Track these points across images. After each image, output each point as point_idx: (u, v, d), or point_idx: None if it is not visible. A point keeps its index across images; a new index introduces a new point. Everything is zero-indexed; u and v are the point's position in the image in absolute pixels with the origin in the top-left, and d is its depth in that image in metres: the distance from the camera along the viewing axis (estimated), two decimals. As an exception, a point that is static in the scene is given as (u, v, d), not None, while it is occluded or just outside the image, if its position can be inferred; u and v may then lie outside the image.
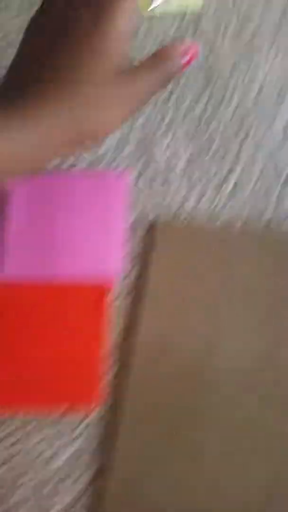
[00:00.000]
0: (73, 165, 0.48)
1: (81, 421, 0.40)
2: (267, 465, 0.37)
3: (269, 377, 0.40)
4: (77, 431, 0.40)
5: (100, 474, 0.39)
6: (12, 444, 0.40)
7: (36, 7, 0.34)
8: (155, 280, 0.43)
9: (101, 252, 0.44)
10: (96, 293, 0.42)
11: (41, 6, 0.33)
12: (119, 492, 0.37)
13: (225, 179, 0.46)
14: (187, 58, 0.30)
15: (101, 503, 0.37)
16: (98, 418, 0.40)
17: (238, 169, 0.47)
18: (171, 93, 0.50)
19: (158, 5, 0.51)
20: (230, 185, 0.46)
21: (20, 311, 0.42)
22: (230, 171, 0.47)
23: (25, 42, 0.32)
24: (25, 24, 0.34)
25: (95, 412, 0.40)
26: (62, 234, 0.44)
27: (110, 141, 0.48)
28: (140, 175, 0.47)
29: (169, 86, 0.50)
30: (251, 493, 0.36)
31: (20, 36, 0.33)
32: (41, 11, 0.33)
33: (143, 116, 0.50)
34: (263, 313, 0.42)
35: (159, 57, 0.30)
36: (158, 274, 0.43)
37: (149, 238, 0.45)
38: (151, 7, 0.51)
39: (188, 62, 0.30)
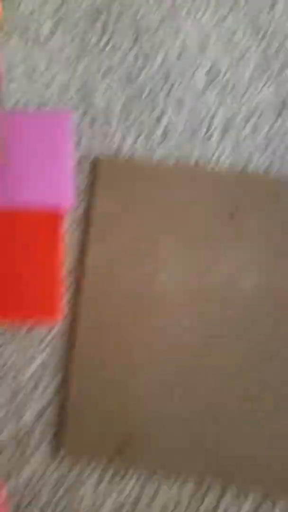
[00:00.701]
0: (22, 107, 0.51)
1: (46, 336, 0.45)
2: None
3: (202, 296, 0.46)
4: (43, 344, 0.45)
5: (64, 383, 0.44)
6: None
7: None
8: (99, 212, 0.48)
9: (53, 185, 0.47)
10: (52, 218, 0.46)
11: None
12: (80, 400, 0.43)
13: (158, 121, 0.52)
14: None
15: (65, 409, 0.43)
16: (60, 333, 0.45)
17: (169, 112, 0.52)
18: (106, 44, 0.54)
19: None
20: (162, 127, 0.52)
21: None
22: (162, 113, 0.52)
23: None
24: None
25: (57, 328, 0.45)
26: (16, 167, 0.47)
27: (53, 88, 0.52)
28: (82, 116, 0.51)
29: (104, 37, 0.54)
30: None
31: None
32: None
33: (82, 64, 0.53)
34: (195, 239, 0.48)
35: None
36: (102, 206, 0.48)
37: (94, 174, 0.50)
38: None
39: None
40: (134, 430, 0.41)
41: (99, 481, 0.41)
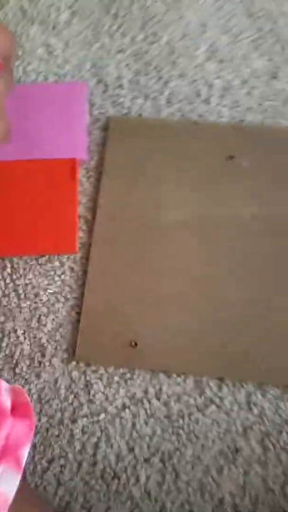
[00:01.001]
0: (44, 80, 0.60)
1: (65, 262, 0.52)
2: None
3: (206, 226, 0.52)
4: (62, 269, 0.52)
5: (79, 301, 0.50)
6: (17, 279, 0.51)
7: None
8: (111, 162, 0.56)
9: (70, 141, 0.55)
10: (70, 163, 0.54)
11: None
12: (91, 313, 0.49)
13: (163, 88, 0.60)
14: None
15: (79, 321, 0.49)
16: (76, 260, 0.52)
17: (173, 81, 0.60)
18: (117, 29, 0.63)
19: None
20: (166, 93, 0.60)
21: (13, 183, 0.53)
22: (167, 82, 0.60)
23: None
24: None
25: (74, 256, 0.52)
26: (37, 128, 0.56)
27: (69, 66, 0.61)
28: (96, 84, 0.60)
29: (116, 23, 0.63)
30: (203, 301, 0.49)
31: None
32: None
33: (95, 46, 0.62)
34: (198, 180, 0.54)
35: None
36: (113, 157, 0.56)
37: (106, 130, 0.58)
38: None
39: None
40: (139, 337, 0.47)
41: (110, 380, 0.47)
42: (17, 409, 0.41)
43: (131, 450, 0.45)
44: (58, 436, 0.45)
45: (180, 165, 0.54)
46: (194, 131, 0.56)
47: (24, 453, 0.37)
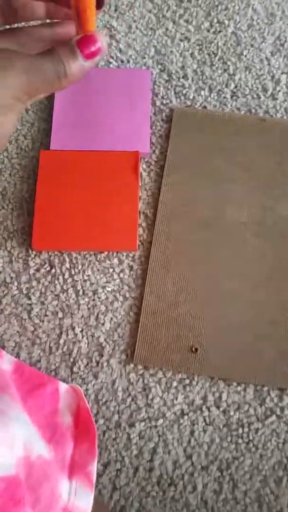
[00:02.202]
0: (106, 64, 0.57)
1: (124, 260, 0.50)
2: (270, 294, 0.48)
3: (267, 226, 0.50)
4: (119, 269, 0.50)
5: (137, 301, 0.48)
6: (75, 274, 0.49)
7: None
8: (173, 157, 0.53)
9: (133, 134, 0.52)
10: (132, 157, 0.51)
11: None
12: (150, 315, 0.47)
13: (228, 81, 0.57)
14: (90, 50, 0.28)
15: (137, 322, 0.47)
16: (136, 258, 0.50)
17: (238, 74, 0.57)
18: (180, 16, 0.60)
19: None
20: (232, 86, 0.57)
21: (72, 175, 0.51)
22: (232, 74, 0.57)
23: None
24: None
25: (134, 254, 0.50)
26: (99, 116, 0.53)
27: (132, 51, 0.58)
28: (160, 73, 0.57)
29: (179, 11, 0.60)
30: (257, 319, 0.47)
31: None
32: None
33: (158, 32, 0.59)
34: (261, 179, 0.52)
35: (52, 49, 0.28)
36: (176, 151, 0.53)
37: (170, 122, 0.55)
38: None
39: (90, 56, 0.28)
40: (200, 343, 0.46)
41: (168, 385, 0.46)
42: (79, 426, 0.40)
43: (189, 457, 0.44)
44: (115, 439, 0.45)
45: (246, 162, 0.52)
46: (261, 127, 0.53)
47: (93, 469, 0.37)
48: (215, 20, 0.58)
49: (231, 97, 0.55)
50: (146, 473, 0.44)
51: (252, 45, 0.57)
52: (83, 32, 0.29)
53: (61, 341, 0.47)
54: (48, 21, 0.33)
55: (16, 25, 0.33)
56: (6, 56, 0.27)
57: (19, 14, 0.32)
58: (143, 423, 0.45)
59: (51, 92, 0.29)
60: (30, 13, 0.32)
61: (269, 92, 0.55)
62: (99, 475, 0.43)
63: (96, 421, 0.44)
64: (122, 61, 0.56)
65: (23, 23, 0.33)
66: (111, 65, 0.56)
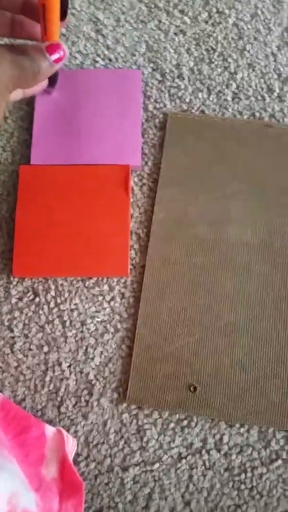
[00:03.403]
0: (92, 64, 0.51)
1: (114, 287, 0.45)
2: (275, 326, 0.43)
3: (274, 249, 0.45)
4: (109, 296, 0.45)
5: (129, 334, 0.44)
6: (61, 303, 0.45)
7: None
8: (168, 169, 0.48)
9: (122, 146, 0.47)
10: (122, 171, 0.46)
11: None
12: (143, 351, 0.43)
13: (229, 80, 0.51)
14: (57, 55, 0.35)
15: (130, 357, 0.43)
16: (126, 287, 0.45)
17: (241, 72, 0.51)
18: (174, 7, 0.54)
19: None
20: (233, 86, 0.51)
21: (55, 192, 0.46)
22: (233, 73, 0.51)
23: None
24: None
25: (124, 280, 0.45)
26: (84, 124, 0.47)
27: (120, 47, 0.52)
28: (153, 71, 0.51)
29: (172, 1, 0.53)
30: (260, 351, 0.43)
31: None
32: None
33: (150, 25, 0.53)
34: (267, 195, 0.46)
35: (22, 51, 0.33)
36: (170, 163, 0.48)
37: (163, 128, 0.49)
38: None
39: (58, 60, 0.35)
40: (199, 380, 0.41)
41: (165, 427, 0.42)
42: (64, 478, 0.37)
43: (187, 504, 0.40)
44: (107, 484, 0.41)
45: (250, 175, 0.47)
46: (267, 134, 0.48)
47: None
48: (214, 10, 0.52)
49: (233, 99, 0.49)
50: (141, 522, 0.40)
51: (256, 38, 0.51)
52: (47, 40, 0.35)
53: (47, 378, 0.43)
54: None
55: None
56: None
57: None
58: (137, 467, 0.41)
59: (26, 88, 0.34)
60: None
61: (275, 93, 0.49)
62: (90, 525, 0.40)
63: (87, 465, 0.41)
64: (110, 60, 0.50)
65: None
66: (97, 64, 0.50)
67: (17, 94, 0.39)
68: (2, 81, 0.31)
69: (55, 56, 0.34)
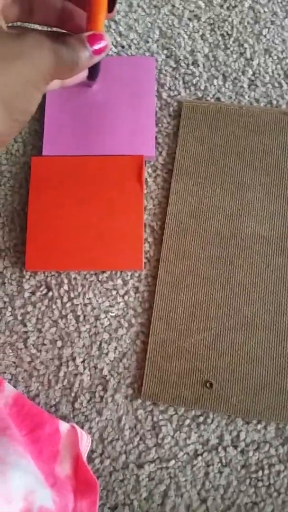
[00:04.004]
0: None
1: (126, 283, 0.44)
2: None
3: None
4: (123, 291, 0.44)
5: (143, 328, 0.43)
6: (75, 297, 0.44)
7: None
8: (183, 159, 0.46)
9: (134, 134, 0.46)
10: (136, 162, 0.45)
11: None
12: (158, 346, 0.42)
13: (245, 66, 0.49)
14: (98, 46, 0.33)
15: (144, 353, 0.42)
16: (140, 281, 0.44)
17: (257, 58, 0.50)
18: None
19: None
20: (249, 73, 0.49)
21: (68, 183, 0.45)
22: (250, 59, 0.49)
23: None
24: None
25: (139, 274, 0.44)
26: (97, 114, 0.46)
27: (134, 33, 0.50)
28: (167, 58, 0.49)
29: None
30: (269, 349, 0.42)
31: None
32: None
33: (166, 7, 0.51)
34: (285, 186, 0.45)
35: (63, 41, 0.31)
36: (185, 153, 0.46)
37: (178, 117, 0.48)
38: None
39: (98, 51, 0.33)
40: (216, 376, 0.41)
41: (180, 423, 0.41)
42: (78, 476, 0.36)
43: (203, 501, 0.40)
44: (122, 481, 0.40)
45: (268, 165, 0.45)
46: (285, 123, 0.46)
47: None
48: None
49: (249, 86, 0.47)
50: (157, 519, 0.40)
51: (273, 22, 0.49)
52: (91, 30, 0.33)
53: (61, 374, 0.42)
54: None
55: None
56: (38, 37, 0.29)
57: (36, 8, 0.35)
58: (153, 464, 0.40)
59: (64, 78, 0.32)
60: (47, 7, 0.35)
61: (292, 80, 0.47)
62: (105, 521, 0.40)
63: (101, 461, 0.40)
64: (123, 47, 0.49)
65: None
66: (110, 52, 0.48)
67: (55, 84, 0.37)
68: (40, 71, 0.29)
69: (96, 47, 0.32)
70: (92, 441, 0.40)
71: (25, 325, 0.43)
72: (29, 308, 0.43)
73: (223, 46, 0.48)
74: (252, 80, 0.47)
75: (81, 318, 0.43)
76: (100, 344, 0.42)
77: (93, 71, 0.41)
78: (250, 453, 0.40)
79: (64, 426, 0.38)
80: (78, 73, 0.33)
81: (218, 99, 0.46)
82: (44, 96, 0.46)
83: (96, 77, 0.42)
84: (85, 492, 0.35)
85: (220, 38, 0.48)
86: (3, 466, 0.31)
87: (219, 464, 0.40)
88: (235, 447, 0.40)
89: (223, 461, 0.40)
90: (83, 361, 0.42)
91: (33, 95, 0.30)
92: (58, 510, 0.33)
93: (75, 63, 0.32)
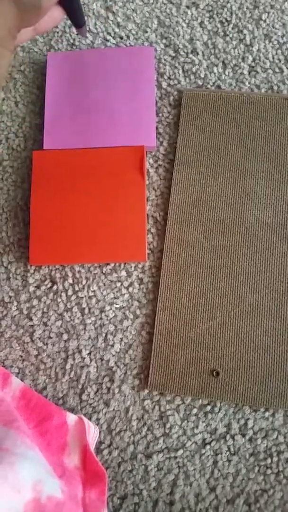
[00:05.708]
0: (103, 42, 0.49)
1: (130, 275, 0.44)
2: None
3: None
4: (127, 282, 0.44)
5: (148, 320, 0.43)
6: (79, 290, 0.44)
7: None
8: (184, 148, 0.46)
9: (134, 124, 0.45)
10: (137, 152, 0.44)
11: None
12: (163, 336, 0.42)
13: (245, 53, 0.49)
14: None
15: (150, 344, 0.42)
16: (144, 272, 0.44)
17: (257, 43, 0.49)
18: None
19: None
20: (249, 59, 0.49)
21: (70, 175, 0.45)
22: (250, 45, 0.49)
23: None
24: None
25: (142, 265, 0.44)
26: (97, 106, 0.46)
27: (132, 23, 0.50)
28: (166, 47, 0.49)
29: None
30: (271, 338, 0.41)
31: None
32: None
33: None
34: (285, 168, 0.44)
35: None
36: (187, 142, 0.46)
37: (178, 106, 0.47)
38: None
39: None
40: (222, 365, 0.40)
41: (188, 413, 0.41)
42: (86, 467, 0.36)
43: (213, 490, 0.40)
44: (131, 471, 0.41)
45: (270, 152, 0.45)
46: (286, 108, 0.46)
47: None
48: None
49: (249, 72, 0.47)
50: (166, 507, 0.40)
51: (272, 6, 0.49)
52: None
53: (68, 366, 0.42)
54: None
55: None
56: None
57: None
58: (161, 454, 0.40)
59: (31, 26, 0.31)
60: None
61: (293, 65, 0.47)
62: (116, 510, 0.40)
63: (110, 452, 0.40)
64: (121, 37, 0.48)
65: None
66: (108, 43, 0.48)
67: (27, 34, 0.35)
68: (4, 25, 0.28)
69: None
70: (100, 432, 0.40)
71: (31, 319, 0.43)
72: (35, 302, 0.43)
73: (222, 33, 0.47)
74: (252, 67, 0.46)
75: (86, 311, 0.43)
76: (106, 336, 0.42)
77: (75, 17, 0.38)
78: (259, 441, 0.40)
79: (71, 418, 0.38)
80: (43, 15, 0.32)
81: (218, 86, 0.46)
82: (44, 90, 0.46)
83: (83, 23, 0.39)
84: (94, 482, 0.35)
85: (219, 25, 0.47)
86: (12, 457, 0.31)
87: (228, 453, 0.40)
88: (243, 435, 0.40)
89: (232, 449, 0.40)
90: (89, 353, 0.42)
91: (4, 49, 0.30)
92: (67, 499, 0.33)
93: (38, 6, 0.30)
